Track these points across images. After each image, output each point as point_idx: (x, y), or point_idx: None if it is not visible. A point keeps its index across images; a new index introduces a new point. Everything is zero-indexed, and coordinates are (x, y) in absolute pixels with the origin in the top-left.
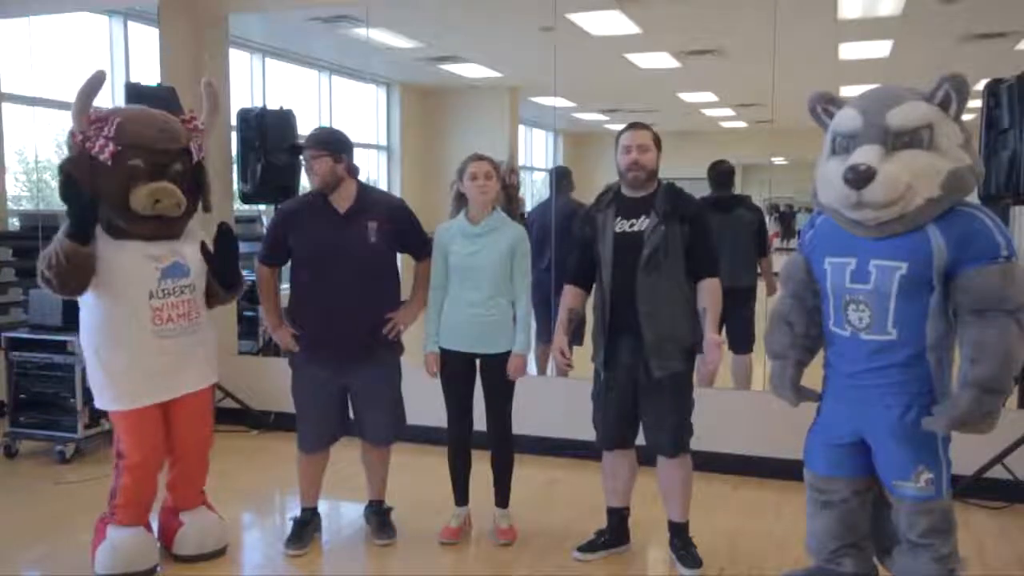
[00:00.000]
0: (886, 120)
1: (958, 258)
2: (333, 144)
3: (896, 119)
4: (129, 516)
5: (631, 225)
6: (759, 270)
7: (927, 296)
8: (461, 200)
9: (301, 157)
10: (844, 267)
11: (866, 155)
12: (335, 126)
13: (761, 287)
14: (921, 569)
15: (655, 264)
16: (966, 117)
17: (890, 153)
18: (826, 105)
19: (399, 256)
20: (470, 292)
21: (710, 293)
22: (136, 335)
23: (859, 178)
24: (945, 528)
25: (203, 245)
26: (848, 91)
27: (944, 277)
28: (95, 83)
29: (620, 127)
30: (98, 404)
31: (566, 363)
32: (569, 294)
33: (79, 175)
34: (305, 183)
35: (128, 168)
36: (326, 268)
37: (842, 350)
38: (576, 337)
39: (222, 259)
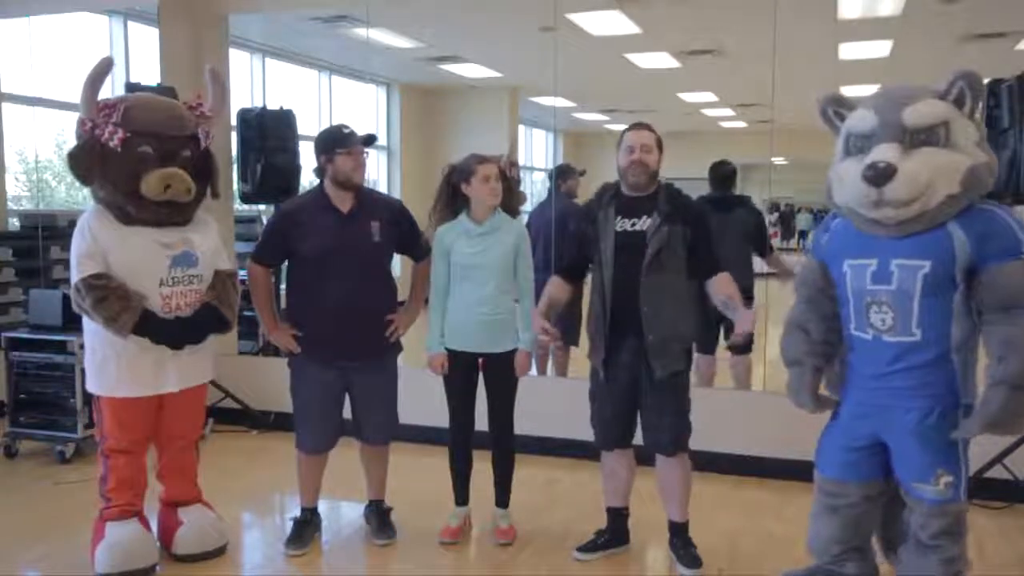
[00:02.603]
0: (902, 118)
1: (980, 255)
2: (374, 141)
3: (912, 117)
4: (123, 497)
5: (632, 224)
6: (766, 269)
7: (951, 295)
8: (455, 198)
9: (341, 151)
10: (865, 268)
11: (885, 153)
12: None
13: (759, 287)
14: (928, 570)
15: (658, 265)
16: None
17: (908, 151)
18: (837, 107)
19: (397, 257)
20: (476, 291)
21: (725, 284)
22: None
23: (879, 175)
24: (957, 531)
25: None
26: (848, 91)
27: (967, 275)
28: (103, 69)
29: (620, 127)
30: (92, 388)
31: (550, 339)
32: (555, 285)
33: (90, 165)
34: (305, 183)
35: (138, 154)
36: (330, 267)
37: (864, 354)
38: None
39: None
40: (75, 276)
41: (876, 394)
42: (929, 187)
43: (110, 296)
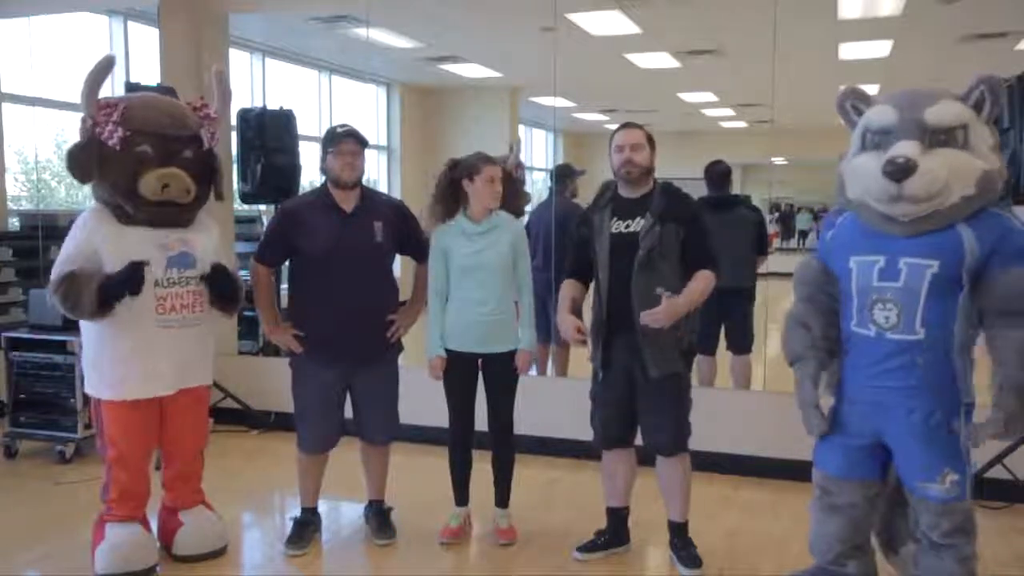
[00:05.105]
0: (924, 116)
1: (992, 259)
2: (366, 143)
3: (934, 116)
4: (125, 509)
5: (627, 226)
6: (766, 269)
7: (956, 295)
8: (455, 193)
9: (331, 150)
10: (872, 265)
11: (905, 149)
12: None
13: (760, 287)
14: (946, 569)
15: (650, 265)
16: None
17: (927, 150)
18: (856, 102)
19: (398, 258)
20: (475, 292)
21: (695, 280)
22: (139, 323)
23: (899, 170)
24: (969, 529)
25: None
26: None
27: (973, 277)
28: (104, 67)
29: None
30: (89, 390)
31: (582, 338)
32: (569, 286)
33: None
34: (305, 183)
35: (137, 154)
36: (332, 267)
37: (864, 350)
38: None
39: (219, 297)
40: (52, 276)
41: (876, 392)
42: (946, 187)
43: (70, 289)
